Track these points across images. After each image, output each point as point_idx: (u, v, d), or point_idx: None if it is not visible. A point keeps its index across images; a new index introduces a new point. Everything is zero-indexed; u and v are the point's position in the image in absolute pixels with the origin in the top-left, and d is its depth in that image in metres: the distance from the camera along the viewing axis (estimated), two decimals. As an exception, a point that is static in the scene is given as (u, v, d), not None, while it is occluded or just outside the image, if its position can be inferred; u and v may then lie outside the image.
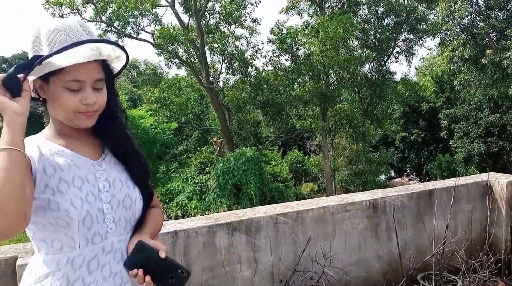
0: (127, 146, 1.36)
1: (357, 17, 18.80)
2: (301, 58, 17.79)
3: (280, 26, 17.83)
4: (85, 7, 16.64)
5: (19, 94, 1.08)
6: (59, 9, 15.98)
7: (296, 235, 2.83)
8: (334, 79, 18.31)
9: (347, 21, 15.75)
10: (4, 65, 39.35)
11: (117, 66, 1.33)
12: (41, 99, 1.24)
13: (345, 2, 18.80)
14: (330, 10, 18.38)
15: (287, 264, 2.81)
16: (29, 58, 1.16)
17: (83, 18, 16.49)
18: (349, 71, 17.54)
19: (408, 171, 30.77)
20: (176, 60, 17.96)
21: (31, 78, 1.17)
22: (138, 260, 1.21)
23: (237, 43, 18.23)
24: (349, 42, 18.14)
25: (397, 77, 21.16)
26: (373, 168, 19.78)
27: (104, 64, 1.25)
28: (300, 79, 18.27)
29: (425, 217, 3.33)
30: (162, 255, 1.21)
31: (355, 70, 18.00)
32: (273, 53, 18.12)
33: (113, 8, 16.23)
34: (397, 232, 3.13)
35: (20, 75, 1.09)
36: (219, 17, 18.06)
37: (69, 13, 16.10)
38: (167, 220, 2.95)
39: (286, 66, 18.09)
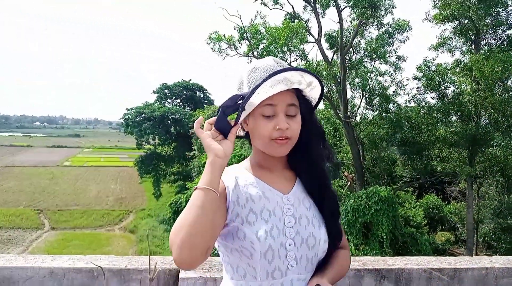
0: (320, 181, 1.35)
1: (518, 55, 16.95)
2: (449, 97, 16.62)
3: (427, 63, 17.01)
4: (241, 43, 18.08)
5: (226, 136, 1.21)
6: (219, 45, 17.81)
7: (451, 294, 2.62)
8: (487, 121, 16.64)
9: (507, 60, 14.31)
10: (166, 91, 44.18)
11: (313, 94, 1.35)
12: (244, 133, 1.36)
13: (504, 40, 17.13)
14: (487, 47, 16.92)
15: (438, 325, 2.60)
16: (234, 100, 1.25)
17: (237, 53, 18.12)
18: (505, 114, 15.78)
19: None
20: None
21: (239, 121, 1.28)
22: None
23: (380, 78, 17.91)
24: (507, 82, 16.39)
25: None
26: (526, 224, 17.25)
27: (298, 94, 1.29)
28: (445, 119, 17.02)
29: None
30: None
31: (512, 113, 16.14)
32: (417, 90, 17.32)
33: (265, 44, 17.41)
34: None
35: (231, 120, 1.21)
36: (363, 53, 18.04)
37: (226, 48, 17.85)
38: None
39: (431, 104, 17.08)
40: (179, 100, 45.51)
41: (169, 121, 37.57)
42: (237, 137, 1.37)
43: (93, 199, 40.03)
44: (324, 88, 1.44)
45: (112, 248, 26.77)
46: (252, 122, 1.27)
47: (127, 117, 37.64)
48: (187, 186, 24.86)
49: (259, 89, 1.19)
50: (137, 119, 37.00)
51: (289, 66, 1.26)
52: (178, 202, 24.46)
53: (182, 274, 2.29)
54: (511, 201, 17.57)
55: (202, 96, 46.78)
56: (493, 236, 18.36)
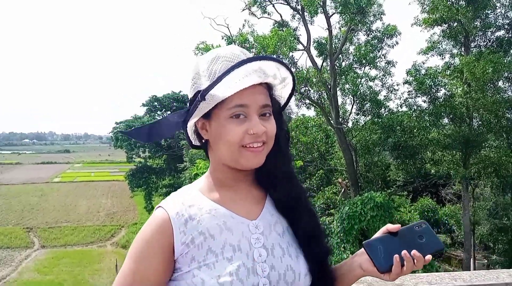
0: (296, 196, 1.09)
1: (508, 57, 17.04)
2: (441, 99, 16.62)
3: (418, 67, 17.01)
4: (233, 52, 17.97)
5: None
6: (207, 54, 17.68)
7: (470, 315, 2.37)
8: (479, 122, 16.63)
9: (498, 61, 14.35)
10: (156, 103, 43.93)
11: (283, 93, 1.13)
12: (202, 143, 1.10)
13: (494, 41, 17.22)
14: (477, 49, 16.99)
15: None
16: (189, 99, 1.06)
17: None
18: (498, 115, 15.80)
19: None
20: (307, 101, 18.23)
21: (193, 121, 1.06)
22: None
23: (370, 83, 17.89)
24: (498, 83, 16.45)
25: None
26: (522, 224, 17.22)
27: (271, 91, 1.07)
28: (438, 122, 17.00)
29: None
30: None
31: (504, 114, 16.17)
32: (408, 94, 17.31)
33: (254, 52, 17.33)
34: None
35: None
36: (352, 59, 18.01)
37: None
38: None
39: (423, 108, 17.06)
40: (169, 112, 45.27)
41: (159, 134, 37.39)
42: (193, 147, 1.15)
43: (83, 215, 39.51)
44: (295, 86, 1.15)
45: (104, 264, 26.26)
46: (215, 127, 1.01)
47: (116, 131, 37.34)
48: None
49: (227, 78, 0.96)
50: (126, 133, 36.77)
51: (264, 56, 1.03)
52: (171, 215, 24.16)
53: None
54: (506, 202, 17.53)
55: (192, 107, 46.66)
56: (489, 237, 18.24)
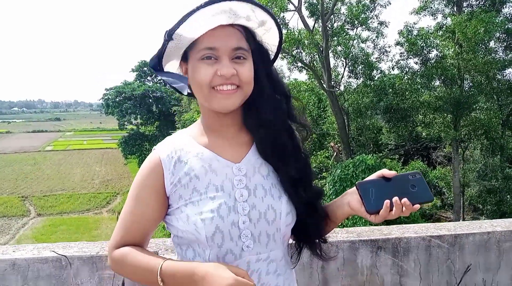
0: (282, 143, 1.12)
1: (501, 16, 16.84)
2: (433, 61, 16.52)
3: (410, 28, 16.80)
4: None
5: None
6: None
7: (452, 262, 2.45)
8: (470, 84, 16.64)
9: (489, 20, 14.19)
10: (146, 68, 43.46)
11: (269, 39, 1.12)
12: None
13: (486, 0, 16.97)
14: (469, 9, 16.75)
15: (438, 294, 2.45)
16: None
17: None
18: (488, 76, 15.78)
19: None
20: (299, 64, 18.02)
21: (175, 64, 1.11)
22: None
23: (362, 45, 17.68)
24: (490, 43, 16.32)
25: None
26: (510, 185, 17.56)
27: (248, 35, 1.06)
28: (429, 84, 16.97)
29: None
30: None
31: (495, 75, 16.16)
32: (400, 56, 17.17)
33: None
34: None
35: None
36: (344, 20, 17.69)
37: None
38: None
39: (415, 70, 16.97)
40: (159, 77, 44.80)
41: (150, 100, 37.03)
42: (188, 95, 1.19)
43: (78, 183, 39.61)
44: (282, 30, 1.21)
45: (101, 231, 26.62)
46: (190, 69, 1.06)
47: (107, 97, 36.98)
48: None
49: (194, 16, 0.96)
50: (117, 99, 36.36)
51: None
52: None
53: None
54: (495, 163, 17.79)
55: (183, 72, 46.22)
56: (478, 199, 18.64)
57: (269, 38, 1.11)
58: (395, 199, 1.04)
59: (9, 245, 2.38)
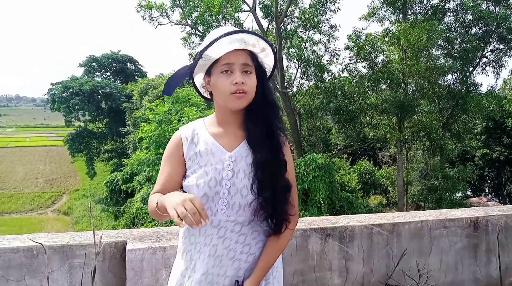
0: (260, 136, 1.47)
1: (442, 25, 17.91)
2: (379, 65, 17.29)
3: (358, 33, 17.47)
4: (173, 11, 17.61)
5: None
6: (149, 12, 17.02)
7: (390, 247, 2.73)
8: (414, 88, 17.57)
9: (431, 29, 15.08)
10: (94, 63, 41.92)
11: (267, 61, 1.54)
12: (209, 95, 1.56)
13: (429, 9, 18.00)
14: (413, 17, 17.69)
15: (379, 276, 2.72)
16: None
17: (170, 21, 17.40)
18: (430, 81, 16.76)
19: (487, 190, 28.78)
20: (253, 64, 18.17)
21: (200, 76, 1.54)
22: None
23: (314, 47, 18.15)
24: (432, 50, 17.32)
25: (483, 89, 19.78)
26: (449, 184, 18.72)
27: (253, 57, 1.47)
28: (376, 87, 17.73)
29: (531, 242, 3.06)
30: None
31: (436, 80, 17.17)
32: (349, 60, 17.80)
33: (198, 12, 16.94)
34: (499, 254, 2.91)
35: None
36: (297, 23, 18.09)
37: (158, 16, 17.10)
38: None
39: (363, 73, 17.67)
40: (108, 73, 43.30)
41: (99, 96, 35.72)
42: (204, 98, 1.64)
43: (20, 182, 37.69)
44: (277, 56, 1.68)
45: (46, 231, 25.49)
46: (213, 80, 1.46)
47: (52, 92, 35.30)
48: (123, 163, 23.99)
49: (217, 43, 1.39)
50: (64, 95, 34.76)
51: (246, 30, 1.47)
52: (115, 180, 23.53)
53: (130, 245, 2.24)
54: (435, 163, 18.86)
55: (133, 68, 44.84)
56: (420, 197, 19.63)
57: (267, 61, 1.54)
58: None
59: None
